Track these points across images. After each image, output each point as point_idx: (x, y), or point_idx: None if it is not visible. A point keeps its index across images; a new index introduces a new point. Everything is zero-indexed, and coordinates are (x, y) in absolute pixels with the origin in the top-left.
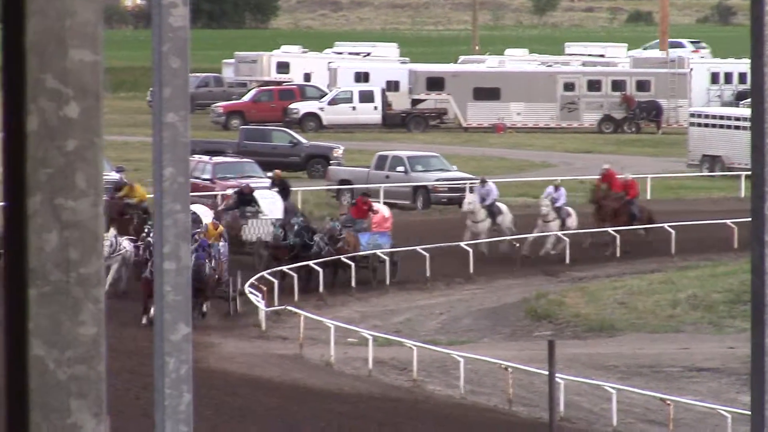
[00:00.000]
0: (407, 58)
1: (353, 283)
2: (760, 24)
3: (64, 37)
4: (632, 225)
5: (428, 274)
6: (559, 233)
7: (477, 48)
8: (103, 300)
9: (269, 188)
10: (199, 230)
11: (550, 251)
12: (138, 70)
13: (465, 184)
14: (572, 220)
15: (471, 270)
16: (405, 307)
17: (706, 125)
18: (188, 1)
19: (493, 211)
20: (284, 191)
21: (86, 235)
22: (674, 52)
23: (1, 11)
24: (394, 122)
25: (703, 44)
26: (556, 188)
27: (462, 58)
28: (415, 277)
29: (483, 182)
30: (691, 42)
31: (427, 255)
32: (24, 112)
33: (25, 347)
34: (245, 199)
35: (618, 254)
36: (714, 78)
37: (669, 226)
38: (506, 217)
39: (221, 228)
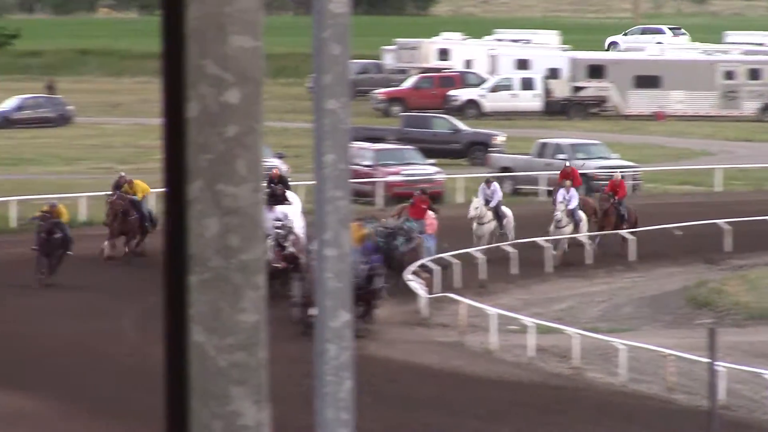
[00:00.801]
0: (568, 46)
1: (515, 271)
2: None
3: (224, 23)
4: (621, 226)
5: (589, 261)
6: (580, 235)
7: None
8: (264, 287)
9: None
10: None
11: (558, 255)
12: (298, 57)
13: (625, 172)
14: (583, 225)
15: (632, 258)
16: (566, 295)
17: None
18: None
19: (498, 214)
20: (283, 193)
21: (246, 222)
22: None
23: None
24: (554, 110)
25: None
26: (489, 184)
27: (611, 39)
28: (576, 265)
29: (488, 183)
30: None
31: (587, 242)
32: (184, 98)
33: (186, 334)
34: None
35: None
36: None
37: None
38: (510, 221)
39: (366, 230)
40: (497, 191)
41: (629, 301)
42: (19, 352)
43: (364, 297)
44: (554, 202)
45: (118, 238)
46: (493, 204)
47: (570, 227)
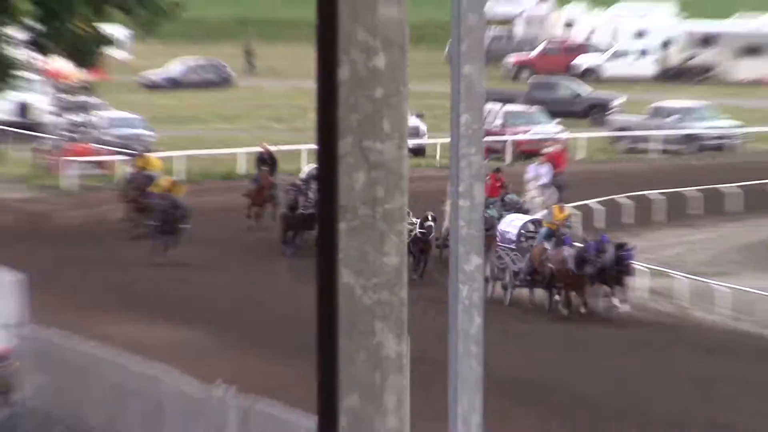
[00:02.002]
0: (684, 15)
1: (629, 220)
2: None
3: None
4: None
5: (698, 212)
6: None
7: None
8: (405, 233)
9: (269, 161)
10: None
11: None
12: (437, 25)
13: (734, 131)
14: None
15: (738, 209)
16: (675, 242)
17: None
18: None
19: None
20: (273, 166)
21: (391, 175)
22: None
23: None
24: (669, 76)
25: None
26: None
27: (738, 14)
28: (686, 215)
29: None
30: None
31: (701, 195)
32: (336, 63)
33: (336, 276)
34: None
35: None
36: None
37: None
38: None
39: (567, 212)
40: (544, 171)
41: (734, 249)
42: (187, 293)
43: (617, 276)
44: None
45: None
46: (543, 182)
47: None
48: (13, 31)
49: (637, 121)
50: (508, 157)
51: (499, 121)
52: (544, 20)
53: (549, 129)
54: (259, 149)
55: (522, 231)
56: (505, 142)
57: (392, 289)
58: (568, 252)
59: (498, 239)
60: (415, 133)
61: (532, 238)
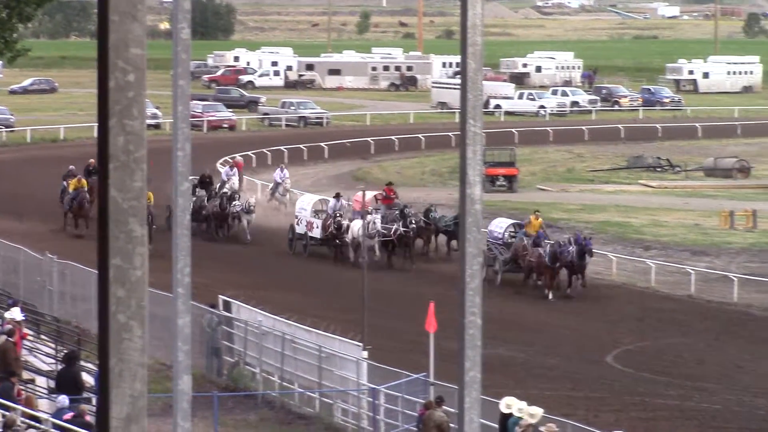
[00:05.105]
0: (298, 53)
1: (270, 162)
2: None
3: (127, 41)
4: None
5: (306, 158)
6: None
7: None
8: (145, 169)
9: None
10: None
11: None
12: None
13: (325, 114)
14: None
15: (327, 156)
16: (295, 174)
17: None
18: None
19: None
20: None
21: (137, 138)
22: None
23: None
24: (290, 85)
25: None
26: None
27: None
28: (301, 159)
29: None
30: None
31: (307, 148)
32: (108, 78)
33: (108, 192)
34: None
35: None
36: None
37: None
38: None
39: (541, 220)
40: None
41: (325, 177)
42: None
43: (578, 270)
44: None
45: None
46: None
47: None
48: None
49: (274, 109)
50: (204, 129)
51: (199, 110)
52: (223, 56)
53: (226, 114)
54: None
55: (507, 232)
56: (202, 120)
57: (139, 200)
58: (542, 250)
59: (487, 236)
60: (154, 116)
61: (514, 237)
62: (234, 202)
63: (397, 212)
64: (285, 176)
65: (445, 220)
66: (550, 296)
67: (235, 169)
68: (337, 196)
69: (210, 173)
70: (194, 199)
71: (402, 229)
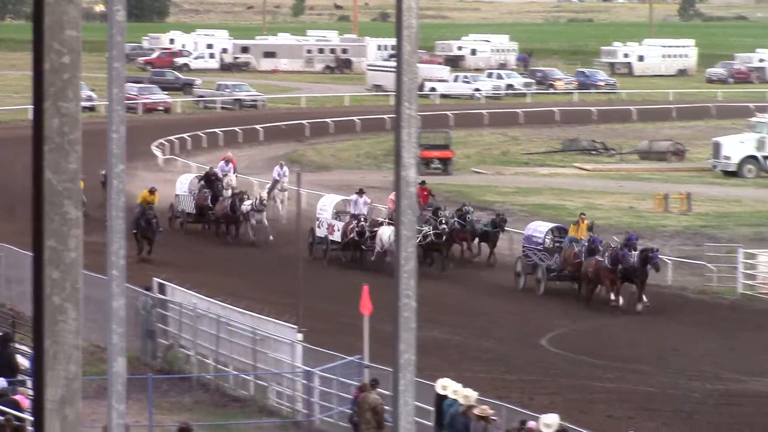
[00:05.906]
0: (235, 35)
1: (206, 145)
2: None
3: (62, 23)
4: None
5: (241, 140)
6: None
7: None
8: (80, 150)
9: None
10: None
11: None
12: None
13: (260, 97)
14: None
15: (263, 138)
16: (233, 156)
17: None
18: None
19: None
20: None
21: (72, 120)
22: None
23: None
24: (225, 68)
25: None
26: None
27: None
28: (236, 141)
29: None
30: None
31: (242, 130)
32: (43, 60)
33: (43, 173)
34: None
35: None
36: None
37: None
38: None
39: (586, 224)
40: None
41: (260, 159)
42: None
43: (640, 277)
44: None
45: None
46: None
47: None
48: None
49: (210, 91)
50: (140, 111)
51: (134, 92)
52: (158, 39)
53: (161, 96)
54: None
55: (549, 236)
56: (138, 103)
57: (73, 182)
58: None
59: (524, 242)
60: (89, 98)
61: (559, 242)
62: (245, 202)
63: (429, 214)
64: (284, 174)
65: (481, 224)
66: (621, 302)
67: (230, 165)
68: (360, 192)
69: (216, 171)
70: (196, 194)
71: (432, 233)
